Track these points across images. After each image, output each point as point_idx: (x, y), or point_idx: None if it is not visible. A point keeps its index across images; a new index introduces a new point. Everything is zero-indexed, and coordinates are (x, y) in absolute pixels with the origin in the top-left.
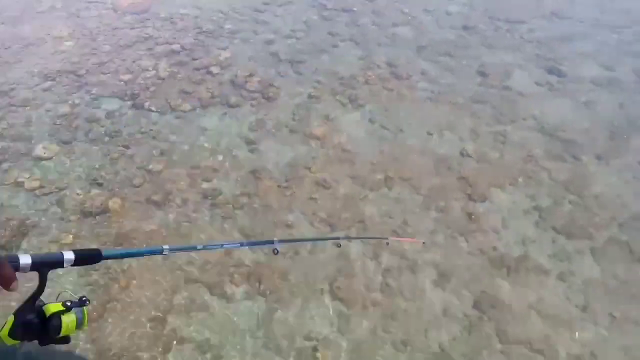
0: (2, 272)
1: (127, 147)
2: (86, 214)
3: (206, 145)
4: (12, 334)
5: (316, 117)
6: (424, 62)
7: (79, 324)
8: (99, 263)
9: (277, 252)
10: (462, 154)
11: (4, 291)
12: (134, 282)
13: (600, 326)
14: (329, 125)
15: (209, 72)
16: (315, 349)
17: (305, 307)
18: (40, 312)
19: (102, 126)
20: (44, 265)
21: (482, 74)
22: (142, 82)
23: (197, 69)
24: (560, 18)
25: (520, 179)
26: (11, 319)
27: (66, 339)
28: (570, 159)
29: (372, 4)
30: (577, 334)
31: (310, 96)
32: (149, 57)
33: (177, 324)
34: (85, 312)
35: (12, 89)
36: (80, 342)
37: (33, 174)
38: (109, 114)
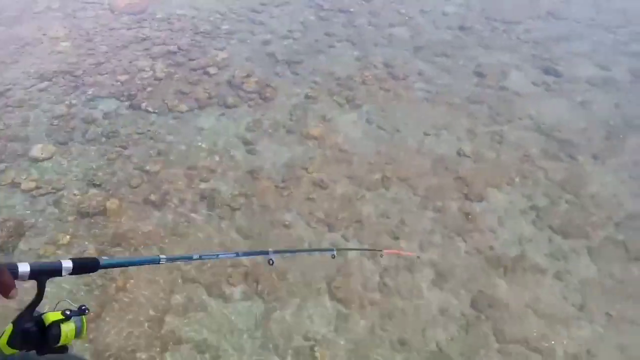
0: (1, 279)
1: (124, 147)
2: (83, 214)
3: (203, 145)
4: (10, 342)
5: (313, 117)
6: (420, 62)
7: (78, 333)
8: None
9: (272, 262)
10: (459, 154)
11: (3, 299)
12: (132, 282)
13: (596, 325)
14: (326, 125)
15: (206, 73)
16: (313, 349)
17: (303, 307)
18: (39, 321)
19: (99, 127)
20: (43, 274)
21: (479, 74)
22: (139, 82)
23: (194, 70)
24: (556, 18)
25: (516, 179)
26: (10, 327)
27: (64, 348)
28: (567, 159)
29: (369, 5)
30: (573, 332)
31: (307, 96)
32: (146, 57)
33: (174, 324)
34: (85, 321)
35: (9, 90)
36: (77, 342)
37: (30, 175)
38: (106, 115)
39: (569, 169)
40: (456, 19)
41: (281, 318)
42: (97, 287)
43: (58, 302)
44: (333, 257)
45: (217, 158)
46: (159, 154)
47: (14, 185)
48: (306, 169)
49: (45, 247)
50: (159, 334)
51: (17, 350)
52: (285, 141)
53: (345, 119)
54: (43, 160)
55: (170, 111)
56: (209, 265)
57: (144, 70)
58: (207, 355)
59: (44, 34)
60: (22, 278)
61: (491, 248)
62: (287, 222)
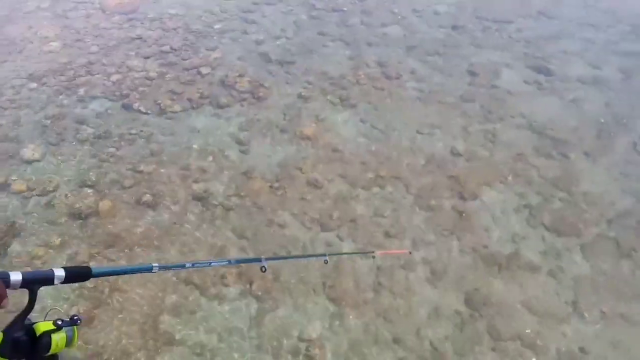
0: None
1: (116, 148)
2: (75, 216)
3: (196, 146)
4: (0, 351)
5: (307, 117)
6: (413, 61)
7: (69, 342)
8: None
9: (265, 269)
10: (452, 153)
11: None
12: (125, 284)
13: (589, 321)
14: (319, 125)
15: (199, 73)
16: (307, 349)
17: (297, 307)
18: (30, 330)
19: (91, 127)
20: (34, 282)
21: (472, 73)
22: (131, 82)
23: (187, 70)
24: (547, 17)
25: (509, 177)
26: (0, 336)
27: (54, 357)
28: (559, 157)
29: (362, 4)
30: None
31: (300, 96)
32: (138, 57)
33: (169, 325)
34: (76, 331)
35: None
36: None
37: (21, 176)
38: (98, 115)
39: (561, 167)
40: (448, 18)
41: (276, 318)
42: (90, 290)
43: (49, 310)
44: (325, 262)
45: (210, 158)
46: (151, 154)
47: (5, 186)
48: (300, 168)
49: (37, 249)
50: (153, 336)
51: (7, 359)
52: (278, 141)
53: (338, 119)
54: (34, 161)
55: (163, 111)
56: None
57: (136, 71)
58: (201, 357)
59: (34, 34)
60: (14, 287)
61: (485, 246)
62: (281, 222)
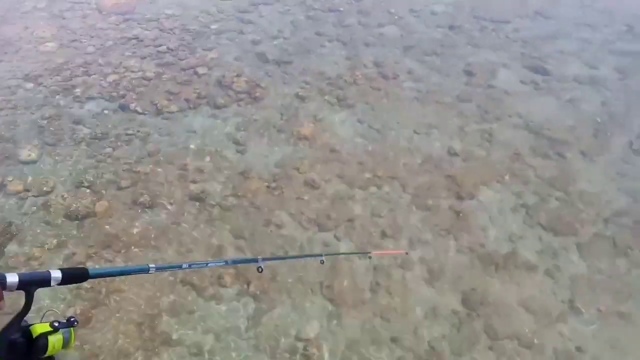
0: None
1: (113, 148)
2: (72, 217)
3: (193, 146)
4: None
5: (304, 117)
6: (410, 61)
7: (66, 344)
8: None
9: (262, 270)
10: (449, 153)
11: None
12: (122, 284)
13: (586, 320)
14: (316, 125)
15: (196, 73)
16: (305, 349)
17: (294, 307)
18: (27, 332)
19: (88, 128)
20: (31, 284)
21: (468, 73)
22: (127, 83)
23: (184, 70)
24: (544, 17)
25: (506, 177)
26: None
27: (51, 359)
28: (556, 157)
29: (358, 4)
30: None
31: (297, 96)
32: (135, 58)
33: (166, 327)
34: (73, 333)
35: None
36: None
37: (17, 177)
38: (95, 116)
39: (558, 166)
40: (445, 18)
41: (273, 318)
42: (87, 290)
43: (45, 313)
44: (322, 262)
45: (207, 158)
46: (148, 154)
47: (1, 187)
48: (297, 168)
49: (34, 250)
50: (151, 336)
51: None
52: (276, 141)
53: (336, 119)
54: (31, 161)
55: (160, 111)
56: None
57: (132, 71)
58: (199, 357)
59: (31, 34)
60: (10, 289)
61: (482, 246)
62: (278, 222)
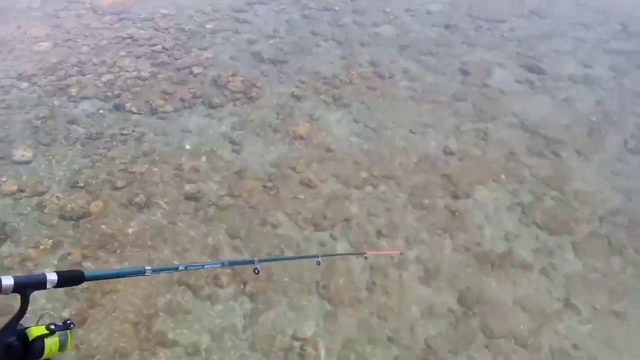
0: None
1: (108, 149)
2: (67, 217)
3: (189, 146)
4: None
5: (300, 116)
6: (406, 61)
7: (62, 347)
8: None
9: (258, 271)
10: (445, 152)
11: None
12: (118, 284)
13: (582, 319)
14: (312, 124)
15: (191, 73)
16: (302, 348)
17: (291, 307)
18: (22, 335)
19: (83, 128)
20: (27, 287)
21: (464, 72)
22: (122, 82)
23: (179, 69)
24: (539, 16)
25: (502, 176)
26: None
27: None
28: (551, 156)
29: (354, 4)
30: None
31: (293, 96)
32: (130, 57)
33: (162, 327)
34: (69, 335)
35: None
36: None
37: (11, 178)
38: (90, 116)
39: (553, 165)
40: (441, 17)
41: (270, 317)
42: (83, 291)
43: (41, 316)
44: (318, 263)
45: (203, 158)
46: (144, 155)
47: None
48: (293, 168)
49: (28, 251)
50: (147, 336)
51: None
52: (271, 140)
53: (331, 118)
54: (25, 162)
55: (155, 111)
56: None
57: (127, 71)
58: (196, 358)
59: (24, 34)
60: (6, 292)
61: (478, 245)
62: (275, 222)
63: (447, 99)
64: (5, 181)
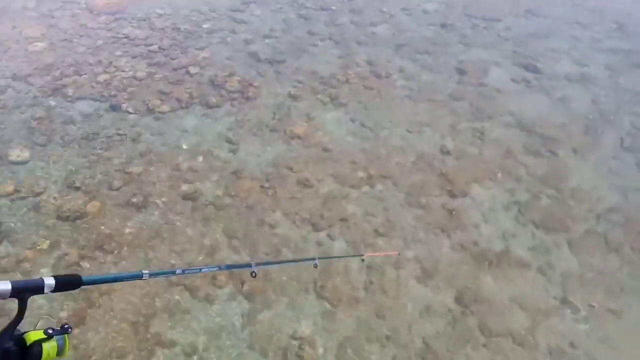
0: None
1: (104, 149)
2: (63, 218)
3: (186, 146)
4: None
5: (297, 116)
6: (403, 60)
7: (60, 352)
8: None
9: (255, 275)
10: (442, 151)
11: None
12: (116, 285)
13: (578, 317)
14: (310, 124)
15: (188, 73)
16: (300, 348)
17: (289, 307)
18: (20, 340)
19: (79, 129)
20: (24, 292)
21: (460, 71)
22: (119, 83)
23: (176, 69)
24: (535, 16)
25: (499, 175)
26: None
27: None
28: (547, 154)
29: (350, 3)
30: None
31: (290, 95)
32: (126, 57)
33: (160, 327)
34: (67, 339)
35: None
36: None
37: (8, 178)
38: (86, 116)
39: (550, 164)
40: (437, 16)
41: (268, 318)
42: (80, 292)
43: (39, 320)
44: (315, 266)
45: (200, 158)
46: (140, 155)
47: None
48: (291, 168)
49: (25, 252)
50: (145, 336)
51: None
52: (269, 140)
53: (329, 118)
54: (21, 162)
55: (152, 112)
56: (193, 266)
57: (124, 71)
58: (194, 358)
59: (20, 34)
60: (3, 296)
61: (475, 243)
62: (272, 222)
63: (444, 98)
64: (1, 182)
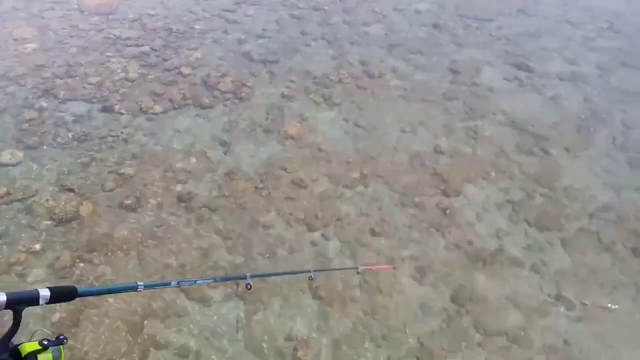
0: None
1: (97, 151)
2: (56, 220)
3: (179, 147)
4: None
5: (290, 116)
6: (396, 60)
7: None
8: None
9: (250, 286)
10: (435, 150)
11: None
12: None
13: (572, 314)
14: (303, 124)
15: (180, 73)
16: (295, 349)
17: (285, 307)
18: (15, 352)
19: (71, 130)
20: (20, 303)
21: (453, 71)
22: (111, 84)
23: (168, 70)
24: (527, 15)
25: (492, 174)
26: None
27: None
28: (540, 153)
29: (343, 3)
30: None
31: (284, 96)
32: (118, 58)
33: (154, 329)
34: (62, 350)
35: None
36: None
37: None
38: (78, 118)
39: (543, 162)
40: (429, 16)
41: (263, 319)
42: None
43: (35, 332)
44: (310, 278)
45: (193, 159)
46: (133, 156)
47: None
48: (285, 168)
49: (17, 255)
50: (139, 338)
51: None
52: (262, 141)
53: (322, 118)
54: (12, 165)
55: (144, 113)
56: (188, 268)
57: (116, 72)
58: (189, 359)
59: (9, 35)
60: None
61: (469, 242)
62: (266, 222)
63: (437, 97)
64: None
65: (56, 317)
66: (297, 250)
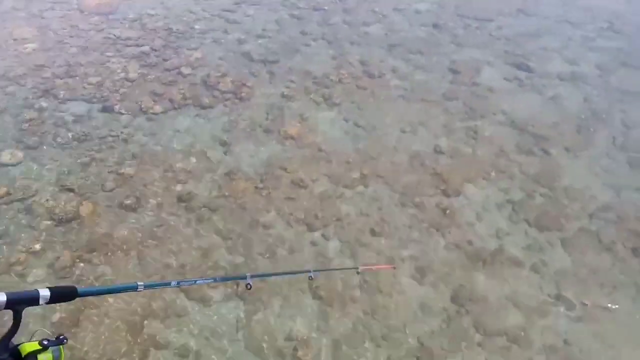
0: None
1: (97, 151)
2: (56, 220)
3: (179, 147)
4: None
5: (290, 116)
6: (396, 60)
7: None
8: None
9: (250, 287)
10: (435, 150)
11: None
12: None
13: (572, 314)
14: (303, 124)
15: (180, 73)
16: (295, 349)
17: (284, 307)
18: (15, 352)
19: (71, 131)
20: (20, 303)
21: (453, 71)
22: (111, 84)
23: (168, 70)
24: (526, 15)
25: (492, 174)
26: None
27: None
28: (540, 153)
29: (343, 3)
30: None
31: (283, 96)
32: (118, 58)
33: (154, 329)
34: (62, 350)
35: None
36: None
37: None
38: (78, 118)
39: (543, 162)
40: (429, 16)
41: (263, 319)
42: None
43: (35, 332)
44: (310, 278)
45: (193, 160)
46: (133, 156)
47: None
48: (285, 168)
49: (17, 255)
50: (139, 338)
51: None
52: (262, 141)
53: (322, 118)
54: (12, 165)
55: (144, 113)
56: (188, 268)
57: (116, 72)
58: (189, 359)
59: (9, 35)
60: None
61: (469, 242)
62: (266, 222)
63: (437, 97)
64: None
65: (56, 317)
66: (297, 250)
